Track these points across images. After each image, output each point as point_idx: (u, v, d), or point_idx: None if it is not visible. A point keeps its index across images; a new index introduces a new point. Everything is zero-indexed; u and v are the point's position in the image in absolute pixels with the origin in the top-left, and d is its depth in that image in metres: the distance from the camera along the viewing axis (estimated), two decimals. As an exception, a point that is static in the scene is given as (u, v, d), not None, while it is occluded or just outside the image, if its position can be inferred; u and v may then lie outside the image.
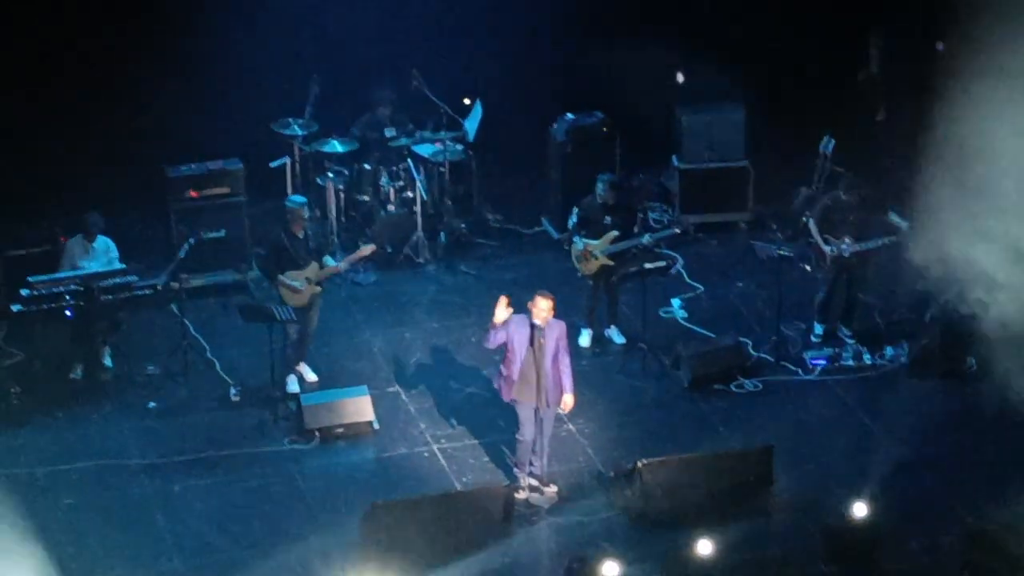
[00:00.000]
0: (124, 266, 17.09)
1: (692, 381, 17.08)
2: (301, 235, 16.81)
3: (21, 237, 18.15)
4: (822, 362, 17.48)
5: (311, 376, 17.18)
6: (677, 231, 18.60)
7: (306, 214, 16.97)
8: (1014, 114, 16.59)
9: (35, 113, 19.38)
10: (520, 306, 15.09)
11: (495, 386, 15.52)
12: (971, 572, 14.07)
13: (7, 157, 19.01)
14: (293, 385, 16.93)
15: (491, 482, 15.57)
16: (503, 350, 15.21)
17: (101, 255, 17.09)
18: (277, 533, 14.92)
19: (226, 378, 17.23)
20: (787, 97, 20.81)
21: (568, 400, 15.29)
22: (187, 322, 17.59)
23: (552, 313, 15.01)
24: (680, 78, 20.15)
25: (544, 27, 20.76)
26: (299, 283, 16.72)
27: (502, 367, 15.28)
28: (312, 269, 16.77)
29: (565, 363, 15.19)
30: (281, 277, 16.72)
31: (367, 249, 17.33)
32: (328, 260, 16.98)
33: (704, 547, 13.94)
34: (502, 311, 15.01)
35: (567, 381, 15.22)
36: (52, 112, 19.41)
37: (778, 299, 17.76)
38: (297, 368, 17.08)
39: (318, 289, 16.90)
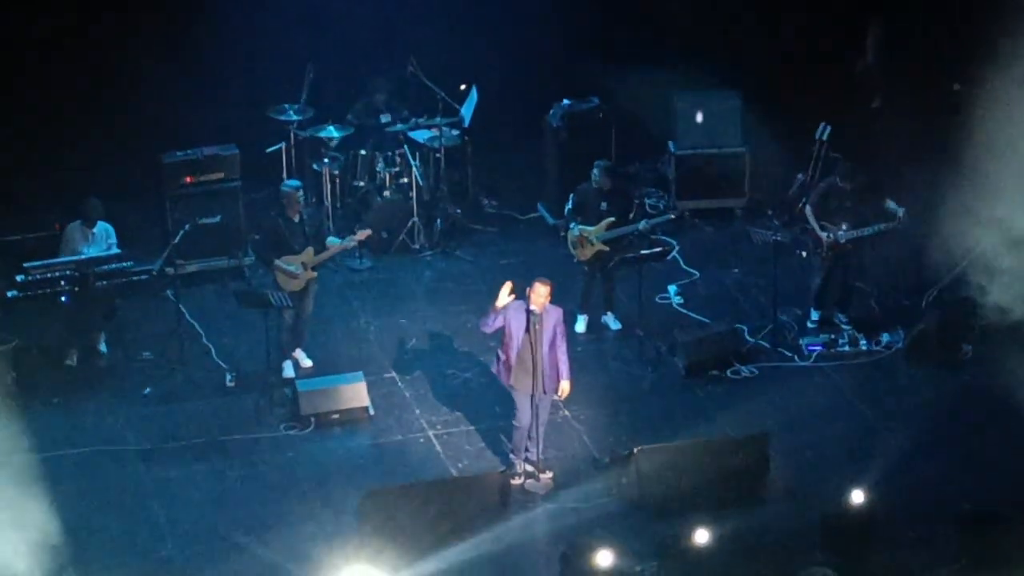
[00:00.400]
0: (119, 252, 17.07)
1: (688, 367, 17.06)
2: (297, 219, 16.79)
3: (17, 223, 18.11)
4: (818, 348, 17.48)
5: (306, 362, 17.16)
6: (672, 217, 18.61)
7: (301, 198, 16.96)
8: (1009, 103, 16.63)
9: (31, 100, 19.34)
10: (518, 293, 15.08)
11: (493, 370, 15.49)
12: (968, 559, 14.05)
13: (3, 144, 18.97)
14: (288, 371, 16.92)
15: (487, 469, 15.56)
16: (500, 335, 15.20)
17: (101, 241, 17.06)
18: (273, 519, 14.91)
19: (222, 364, 17.21)
20: (784, 84, 20.79)
21: (565, 387, 15.28)
22: (183, 308, 17.56)
23: (549, 299, 14.99)
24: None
25: (541, 13, 20.71)
26: (295, 268, 16.69)
27: (500, 352, 15.27)
28: (308, 254, 16.75)
29: (562, 349, 15.16)
30: (277, 262, 16.70)
31: (363, 234, 17.31)
32: (332, 240, 16.96)
33: (700, 536, 13.92)
34: (505, 296, 14.99)
35: (564, 367, 15.21)
36: (48, 99, 19.37)
37: (774, 285, 17.74)
38: (293, 354, 17.07)
39: (314, 274, 16.88)
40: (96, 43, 19.49)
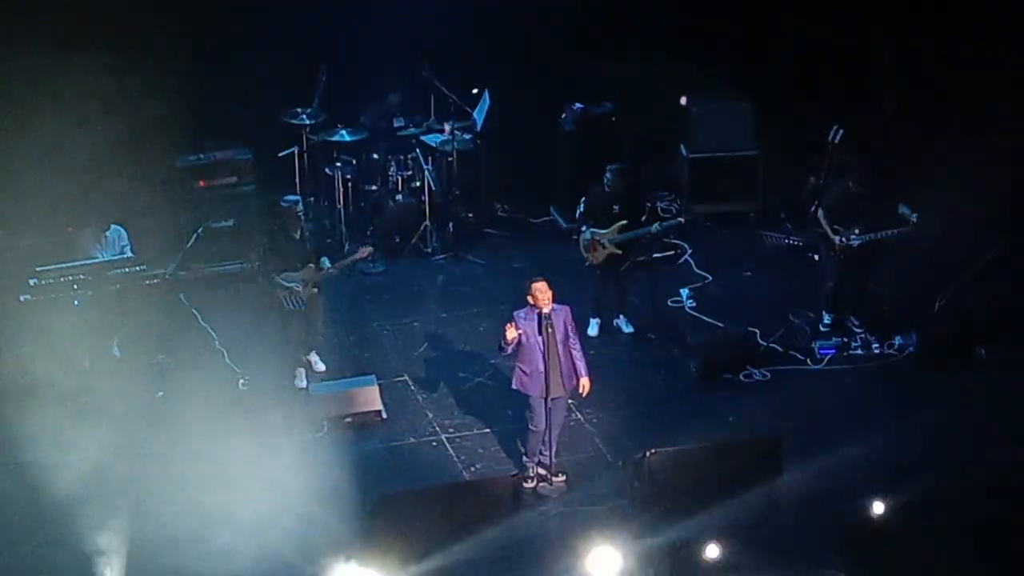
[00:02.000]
0: (132, 255, 17.09)
1: (701, 369, 17.04)
2: (298, 235, 16.69)
3: (30, 227, 18.13)
4: (831, 352, 17.47)
5: (320, 365, 17.17)
6: (684, 220, 18.60)
7: (301, 214, 16.81)
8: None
9: (43, 103, 19.35)
10: (521, 303, 15.05)
11: (514, 385, 15.30)
12: (979, 562, 14.05)
13: (16, 147, 19.00)
14: (301, 380, 16.88)
15: (499, 472, 15.56)
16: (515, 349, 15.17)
17: (114, 244, 17.09)
18: (285, 523, 14.90)
19: (235, 368, 17.23)
20: (796, 86, 20.78)
21: (585, 383, 15.21)
22: (196, 312, 17.58)
23: (552, 294, 14.92)
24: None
25: (554, 16, 20.72)
26: (296, 285, 16.62)
27: (520, 366, 15.13)
28: (309, 271, 16.67)
29: (576, 346, 15.12)
30: (278, 279, 16.62)
31: (364, 252, 17.17)
32: (324, 262, 16.85)
33: (712, 543, 13.93)
34: (512, 333, 14.92)
35: (581, 365, 15.15)
36: (61, 102, 19.38)
37: (787, 289, 17.73)
38: (306, 358, 17.05)
39: (315, 291, 16.80)
40: (109, 44, 19.50)
